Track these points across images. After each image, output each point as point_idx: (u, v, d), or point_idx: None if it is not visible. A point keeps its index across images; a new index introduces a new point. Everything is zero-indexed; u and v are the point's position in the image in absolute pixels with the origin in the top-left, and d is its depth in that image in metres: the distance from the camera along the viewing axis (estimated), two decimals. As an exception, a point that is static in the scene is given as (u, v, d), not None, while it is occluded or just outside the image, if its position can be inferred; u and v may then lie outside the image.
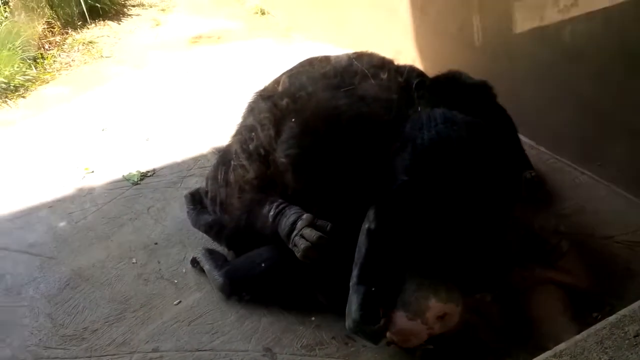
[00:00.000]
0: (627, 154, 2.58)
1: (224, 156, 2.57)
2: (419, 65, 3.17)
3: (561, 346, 1.76)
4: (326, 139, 2.28)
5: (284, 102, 2.40)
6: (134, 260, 2.68)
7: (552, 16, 2.67)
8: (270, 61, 4.06)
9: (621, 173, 2.63)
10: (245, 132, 2.49)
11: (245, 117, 2.58)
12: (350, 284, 2.12)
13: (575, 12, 2.58)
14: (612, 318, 1.87)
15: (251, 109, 2.54)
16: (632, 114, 2.49)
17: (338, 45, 4.07)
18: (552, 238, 2.41)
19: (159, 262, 2.66)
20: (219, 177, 2.50)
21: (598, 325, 1.85)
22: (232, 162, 2.46)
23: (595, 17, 2.52)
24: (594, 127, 2.67)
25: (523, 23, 2.82)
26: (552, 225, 2.48)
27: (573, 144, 2.80)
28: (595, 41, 2.52)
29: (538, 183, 2.65)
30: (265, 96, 2.52)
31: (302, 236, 2.21)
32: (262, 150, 2.39)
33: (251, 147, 2.42)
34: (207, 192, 2.62)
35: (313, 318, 2.35)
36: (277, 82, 2.56)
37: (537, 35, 2.75)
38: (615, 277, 2.30)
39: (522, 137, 2.72)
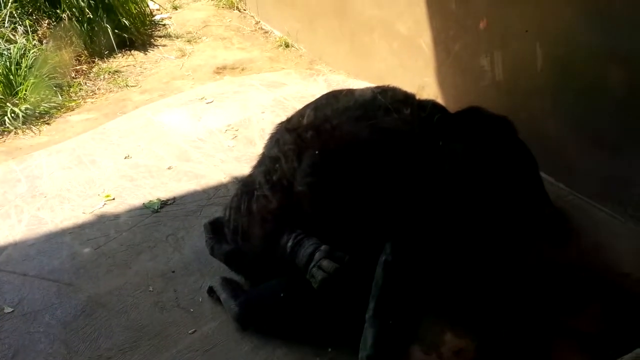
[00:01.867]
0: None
1: (246, 186, 2.58)
2: (440, 100, 3.19)
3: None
4: (345, 169, 2.30)
5: (309, 134, 2.43)
6: (150, 289, 2.68)
7: (574, 54, 2.67)
8: (293, 92, 4.12)
9: (639, 210, 2.61)
10: (269, 163, 2.51)
11: (268, 148, 2.60)
12: (366, 316, 2.13)
13: (598, 50, 2.58)
14: (627, 356, 1.86)
15: (276, 141, 2.56)
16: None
17: (360, 78, 4.14)
18: (573, 282, 2.37)
19: (175, 291, 2.66)
20: (242, 206, 2.50)
21: (614, 363, 1.83)
22: (256, 192, 2.47)
23: (616, 54, 2.52)
24: (613, 165, 2.65)
25: (544, 60, 2.83)
26: (573, 267, 2.44)
27: (592, 181, 2.78)
28: (616, 79, 2.51)
29: (558, 219, 2.62)
30: (291, 128, 2.54)
31: (320, 267, 2.22)
32: (285, 182, 2.41)
33: (275, 177, 2.44)
34: (227, 221, 2.62)
35: (329, 350, 2.32)
36: (301, 114, 2.57)
37: (558, 73, 2.75)
38: (633, 315, 2.25)
39: (542, 174, 2.69)
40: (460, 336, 2.06)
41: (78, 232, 3.03)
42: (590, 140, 2.70)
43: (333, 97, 2.58)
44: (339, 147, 2.34)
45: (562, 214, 2.69)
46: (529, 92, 2.90)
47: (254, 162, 2.67)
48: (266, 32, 5.22)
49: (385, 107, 2.42)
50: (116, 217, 3.13)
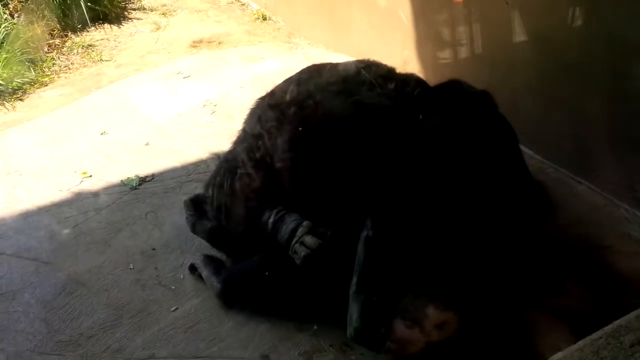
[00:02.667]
0: (623, 165, 2.58)
1: (228, 163, 2.55)
2: (420, 74, 3.17)
3: (557, 356, 1.76)
4: (325, 144, 2.29)
5: (292, 110, 2.40)
6: (131, 266, 2.66)
7: (554, 28, 2.67)
8: (272, 67, 4.07)
9: (618, 184, 2.63)
10: (251, 140, 2.48)
11: (250, 125, 2.57)
12: (350, 292, 2.13)
13: (576, 24, 2.58)
14: (608, 328, 1.85)
15: (258, 117, 2.53)
16: (629, 126, 2.50)
17: (340, 51, 4.09)
18: (553, 256, 2.40)
19: (156, 268, 2.64)
20: (225, 185, 2.48)
21: (594, 335, 1.84)
22: (238, 171, 2.45)
23: (596, 29, 2.53)
24: (592, 138, 2.66)
25: (525, 34, 2.82)
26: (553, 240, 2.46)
27: (571, 154, 2.80)
28: (595, 53, 2.52)
29: (539, 193, 2.63)
30: (273, 105, 2.51)
31: (303, 243, 2.22)
32: (268, 159, 2.39)
33: (258, 155, 2.42)
34: (209, 199, 2.60)
35: (310, 326, 2.33)
36: (284, 90, 2.54)
37: (539, 47, 2.75)
38: (614, 288, 2.28)
39: (522, 147, 2.70)
40: (443, 310, 2.07)
41: (55, 210, 3.00)
42: (570, 114, 2.71)
43: (316, 72, 2.55)
44: (317, 122, 2.33)
45: (542, 187, 2.71)
46: (510, 65, 2.89)
47: (233, 137, 2.65)
48: (243, 5, 5.12)
49: (368, 82, 2.40)
50: (94, 194, 3.09)
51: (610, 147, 2.59)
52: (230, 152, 2.59)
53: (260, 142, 2.41)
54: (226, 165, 2.54)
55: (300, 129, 2.31)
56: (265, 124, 2.43)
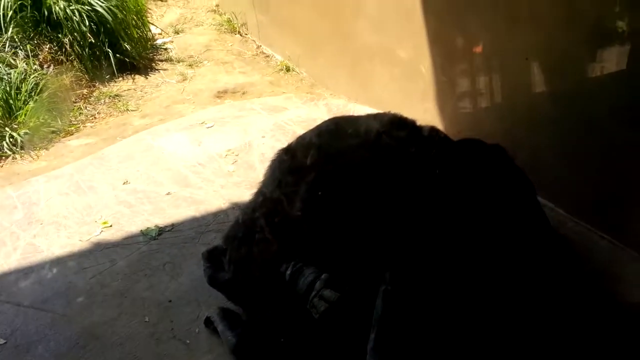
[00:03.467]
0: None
1: (248, 226, 2.52)
2: (439, 126, 3.16)
3: None
4: (344, 196, 2.27)
5: (312, 176, 2.39)
6: (146, 319, 2.63)
7: (575, 83, 2.66)
8: (294, 117, 4.10)
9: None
10: (270, 205, 2.47)
11: (270, 188, 2.53)
12: (368, 348, 2.07)
13: (597, 79, 2.56)
14: None
15: (278, 182, 2.50)
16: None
17: (361, 102, 4.12)
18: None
19: (171, 321, 2.60)
20: (242, 250, 2.46)
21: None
22: (257, 235, 2.43)
23: (612, 83, 2.51)
24: (614, 191, 2.62)
25: (544, 88, 2.81)
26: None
27: (593, 208, 2.75)
28: (613, 107, 2.49)
29: (564, 246, 2.58)
30: (294, 169, 2.49)
31: (322, 297, 2.18)
32: (287, 225, 2.37)
33: (277, 220, 2.40)
34: (226, 252, 2.57)
35: (326, 385, 2.26)
36: (305, 152, 2.52)
37: (558, 100, 2.73)
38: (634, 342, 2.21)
39: (542, 200, 2.66)
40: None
41: (74, 260, 2.99)
42: (591, 168, 2.66)
43: (336, 132, 2.54)
44: (339, 174, 2.32)
45: (565, 240, 2.65)
46: (530, 119, 2.87)
47: (254, 188, 2.64)
48: (267, 57, 5.22)
49: (389, 143, 2.39)
50: (113, 244, 3.08)
51: (632, 200, 2.53)
52: (249, 214, 2.57)
53: (279, 207, 2.39)
54: (244, 229, 2.51)
55: (316, 179, 2.30)
56: (285, 189, 2.42)
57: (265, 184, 2.57)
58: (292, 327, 2.30)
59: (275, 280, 2.33)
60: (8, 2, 4.69)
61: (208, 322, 2.54)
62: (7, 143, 4.04)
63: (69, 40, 4.78)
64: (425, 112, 3.44)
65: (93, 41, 4.82)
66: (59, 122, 4.32)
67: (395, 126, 2.50)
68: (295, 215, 2.31)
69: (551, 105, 2.75)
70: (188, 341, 2.51)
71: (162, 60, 5.23)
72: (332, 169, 2.35)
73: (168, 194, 3.45)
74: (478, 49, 3.08)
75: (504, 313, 2.11)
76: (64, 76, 4.67)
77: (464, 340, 2.07)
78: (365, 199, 2.24)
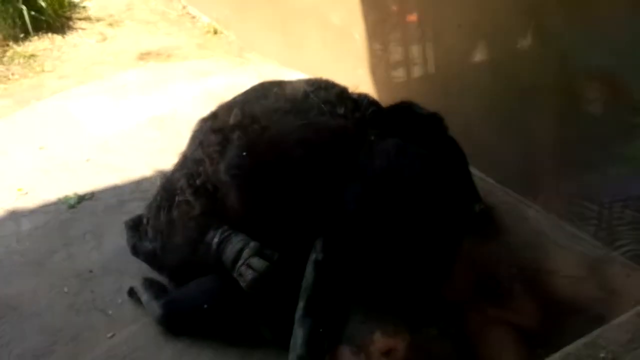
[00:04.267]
0: (572, 189, 2.62)
1: (167, 189, 2.44)
2: (372, 93, 3.15)
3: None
4: (275, 163, 2.22)
5: (235, 135, 2.32)
6: (66, 290, 2.53)
7: (506, 52, 2.68)
8: (222, 82, 3.98)
9: (567, 207, 2.65)
10: (192, 166, 2.39)
11: (191, 149, 2.48)
12: (296, 316, 2.05)
13: (526, 47, 2.60)
14: (556, 355, 1.87)
15: (200, 142, 2.44)
16: (577, 149, 2.52)
17: (292, 68, 4.05)
18: (501, 279, 2.38)
19: (92, 292, 2.51)
20: (161, 213, 2.38)
21: (543, 362, 1.85)
22: (177, 198, 2.35)
23: (546, 52, 2.54)
24: (543, 162, 2.69)
25: (477, 57, 2.84)
26: (501, 264, 2.46)
27: (521, 178, 2.81)
28: (545, 76, 2.54)
29: (487, 216, 2.63)
30: (216, 128, 2.42)
31: (249, 266, 2.13)
32: (209, 186, 2.30)
33: (198, 182, 2.32)
34: (146, 227, 2.49)
35: (255, 353, 2.24)
36: (228, 112, 2.46)
37: (491, 70, 2.77)
38: (560, 313, 2.28)
39: (473, 170, 2.71)
40: (390, 336, 2.04)
41: (-15, 228, 2.84)
42: (522, 137, 2.72)
43: (262, 93, 2.48)
44: (264, 145, 2.26)
45: (491, 210, 2.71)
46: (462, 87, 2.90)
47: (180, 155, 2.55)
48: (194, 18, 5.04)
49: (317, 103, 2.34)
50: (29, 212, 2.96)
51: (559, 170, 2.61)
52: (168, 178, 2.49)
53: (201, 168, 2.32)
54: (164, 193, 2.43)
55: (245, 153, 2.23)
56: (207, 148, 2.34)
57: (187, 146, 2.49)
58: (218, 297, 2.26)
59: (202, 248, 2.27)
60: None
61: (132, 293, 2.47)
62: None
63: (-20, -5, 4.49)
64: (358, 79, 3.41)
65: (5, -4, 4.54)
66: (-32, 83, 4.07)
67: (326, 92, 2.45)
68: (219, 178, 2.24)
69: (482, 73, 2.79)
70: (110, 312, 2.43)
71: (80, 19, 4.98)
72: (258, 129, 2.29)
73: (88, 160, 3.32)
74: (411, 16, 3.07)
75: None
76: (-25, 34, 4.39)
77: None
78: (294, 163, 2.19)
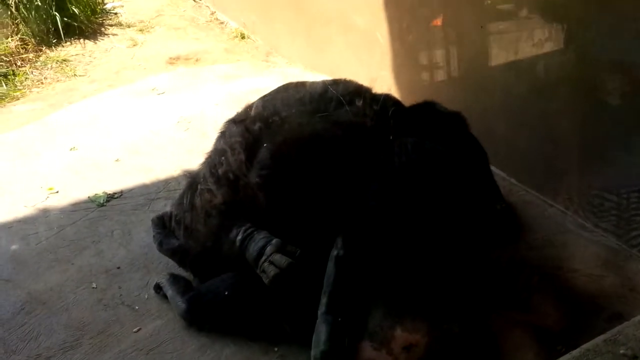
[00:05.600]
0: (594, 188, 2.59)
1: (191, 180, 2.50)
2: (395, 93, 3.16)
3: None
4: (301, 162, 2.24)
5: (257, 126, 2.36)
6: (94, 285, 2.58)
7: (527, 51, 2.68)
8: (248, 85, 4.03)
9: (588, 206, 2.63)
10: (215, 156, 2.43)
11: (214, 141, 2.52)
12: (319, 312, 2.07)
13: (549, 47, 2.59)
14: (575, 352, 1.86)
15: (222, 133, 2.49)
16: (599, 149, 2.51)
17: (316, 71, 4.09)
18: (521, 277, 2.37)
19: (120, 288, 2.56)
20: (184, 201, 2.42)
21: (562, 359, 1.83)
22: (199, 186, 2.39)
23: (568, 52, 2.54)
24: (563, 160, 2.67)
25: (498, 57, 2.83)
26: (522, 263, 2.44)
27: (543, 177, 2.80)
28: (567, 76, 2.53)
29: (508, 215, 2.62)
30: (237, 120, 2.47)
31: (272, 262, 2.15)
32: (231, 175, 2.33)
33: (220, 171, 2.36)
34: (172, 215, 2.54)
35: (277, 349, 2.26)
36: (249, 106, 2.51)
37: (512, 69, 2.76)
38: (581, 311, 2.27)
39: (494, 169, 2.70)
40: (411, 332, 2.03)
41: (19, 226, 2.92)
42: (541, 136, 2.70)
43: (283, 89, 2.51)
44: (292, 140, 2.28)
45: (512, 209, 2.70)
46: (483, 87, 2.90)
47: (205, 155, 2.59)
48: (222, 23, 5.12)
49: (338, 99, 2.36)
50: (60, 211, 3.01)
51: (579, 169, 2.59)
52: (193, 174, 2.53)
53: (223, 158, 2.35)
54: (189, 182, 2.48)
55: (274, 145, 2.26)
56: (229, 139, 2.38)
57: (213, 145, 2.53)
58: (242, 293, 2.28)
59: (225, 245, 2.30)
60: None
61: (157, 288, 2.51)
62: (-51, 108, 3.88)
63: (15, 2, 4.60)
64: (382, 81, 3.43)
65: (39, 4, 4.64)
66: (4, 87, 4.18)
67: (347, 91, 2.47)
68: (243, 171, 2.28)
69: (504, 73, 2.78)
70: (137, 307, 2.47)
71: (111, 25, 5.08)
72: (278, 120, 2.31)
73: (117, 160, 3.38)
74: (434, 17, 3.08)
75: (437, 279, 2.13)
76: (9, 40, 4.50)
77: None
78: (315, 160, 2.22)
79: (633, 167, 2.42)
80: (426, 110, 2.52)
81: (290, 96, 2.42)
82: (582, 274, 2.42)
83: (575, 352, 1.85)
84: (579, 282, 2.38)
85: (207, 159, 2.49)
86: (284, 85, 2.59)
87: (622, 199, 2.48)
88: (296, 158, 2.25)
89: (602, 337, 1.89)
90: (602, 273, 2.42)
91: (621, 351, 1.84)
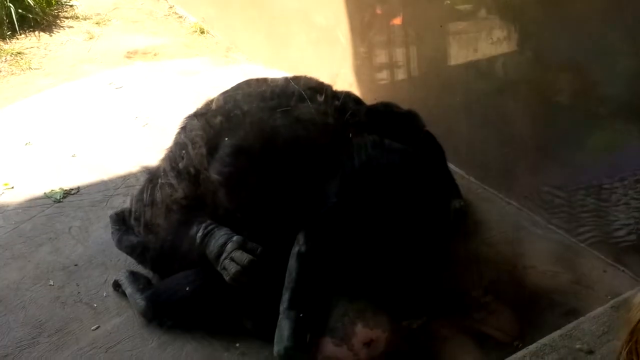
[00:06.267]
0: (550, 186, 2.65)
1: (151, 175, 2.48)
2: (355, 92, 3.19)
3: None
4: (261, 159, 2.25)
5: (217, 120, 2.35)
6: (51, 282, 2.54)
7: (486, 50, 2.73)
8: (207, 80, 4.01)
9: (544, 204, 2.70)
10: (175, 150, 2.42)
11: (176, 137, 2.51)
12: (281, 308, 2.08)
13: (506, 46, 2.65)
14: (532, 347, 1.92)
15: (182, 127, 2.48)
16: (556, 148, 2.57)
17: (277, 67, 4.07)
18: (481, 272, 2.42)
19: (77, 285, 2.53)
20: (145, 196, 2.40)
21: (518, 354, 1.90)
22: (160, 180, 2.37)
23: (525, 52, 2.59)
24: (521, 159, 2.73)
25: (457, 55, 2.88)
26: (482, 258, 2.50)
27: (501, 175, 2.86)
28: (525, 74, 2.58)
29: (465, 212, 2.68)
30: (198, 114, 2.46)
31: (233, 259, 2.15)
32: (192, 169, 2.32)
33: (181, 165, 2.35)
34: (130, 212, 2.51)
35: (238, 345, 2.26)
36: (210, 101, 2.50)
37: (471, 68, 2.81)
38: (536, 307, 2.32)
39: (453, 167, 2.75)
40: (371, 327, 2.06)
41: (-28, 222, 2.84)
42: (500, 135, 2.76)
43: (245, 84, 2.52)
44: (253, 136, 2.28)
45: (470, 206, 2.75)
46: (443, 86, 2.94)
47: (164, 151, 2.57)
48: (180, 17, 5.07)
49: (300, 94, 2.37)
50: (15, 207, 2.96)
51: (534, 167, 2.65)
52: (153, 169, 2.52)
53: (183, 152, 2.34)
54: (149, 177, 2.46)
55: (226, 139, 2.26)
56: (189, 133, 2.37)
57: (173, 142, 2.52)
58: (202, 290, 2.28)
59: (185, 242, 2.29)
60: None
61: (116, 286, 2.48)
62: None
63: (-34, -8, 4.48)
64: (343, 79, 3.45)
65: (-8, -6, 4.53)
66: (-45, 80, 4.05)
67: (308, 87, 2.49)
68: (204, 165, 2.27)
69: (462, 72, 2.83)
70: (95, 305, 2.45)
71: (67, 17, 4.98)
72: (239, 114, 2.31)
73: (73, 156, 3.33)
74: (395, 17, 3.11)
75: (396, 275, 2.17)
76: (-39, 31, 4.37)
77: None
78: (277, 156, 2.23)
79: (581, 165, 2.50)
80: (383, 110, 2.57)
81: (252, 91, 2.43)
82: (538, 270, 2.49)
83: (531, 347, 1.90)
84: (534, 278, 2.44)
85: (167, 153, 2.47)
86: (245, 81, 2.59)
87: (571, 196, 2.56)
88: (257, 154, 2.25)
89: (558, 332, 1.94)
90: (556, 269, 2.49)
91: (577, 346, 1.89)
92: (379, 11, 3.25)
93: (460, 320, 2.26)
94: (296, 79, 2.56)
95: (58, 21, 4.91)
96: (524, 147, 2.66)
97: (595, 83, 2.29)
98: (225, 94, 2.48)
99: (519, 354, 1.88)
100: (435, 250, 2.29)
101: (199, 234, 2.25)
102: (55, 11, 5.00)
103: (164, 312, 2.33)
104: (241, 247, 2.17)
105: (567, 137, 2.46)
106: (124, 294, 2.44)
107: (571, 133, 2.45)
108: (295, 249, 2.12)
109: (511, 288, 2.39)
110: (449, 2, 2.81)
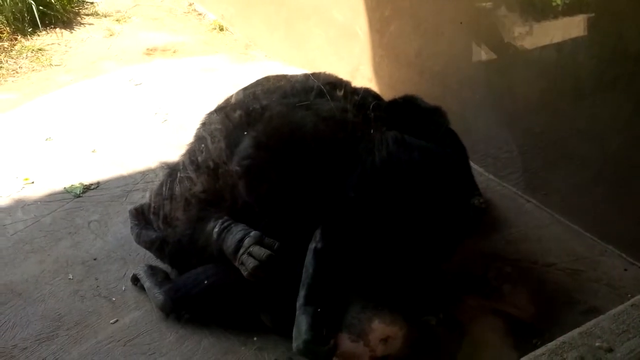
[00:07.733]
0: (570, 184, 2.63)
1: (171, 169, 2.49)
2: (374, 87, 3.18)
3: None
4: (282, 153, 2.24)
5: (237, 114, 2.35)
6: (70, 276, 2.56)
7: (506, 46, 2.71)
8: (226, 77, 4.02)
9: (564, 202, 2.68)
10: (195, 144, 2.42)
11: (197, 132, 2.52)
12: (297, 304, 2.08)
13: (528, 43, 2.62)
14: (551, 344, 1.87)
15: (202, 122, 2.49)
16: (576, 146, 2.55)
17: (296, 64, 4.09)
18: (493, 268, 2.41)
19: (96, 279, 2.54)
20: (164, 189, 2.41)
21: (537, 352, 1.86)
22: (179, 174, 2.38)
23: (546, 48, 2.57)
24: (540, 156, 2.72)
25: (478, 52, 2.85)
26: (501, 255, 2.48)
27: (520, 172, 2.83)
28: (545, 72, 2.56)
29: (485, 209, 2.65)
30: (218, 108, 2.46)
31: (251, 254, 2.15)
32: (211, 163, 2.32)
33: (200, 159, 2.35)
34: (149, 206, 2.52)
35: (255, 339, 2.26)
36: (230, 97, 2.51)
37: (491, 65, 2.79)
38: (556, 305, 2.31)
39: (472, 164, 2.73)
40: (388, 324, 2.05)
41: (-7, 216, 2.87)
42: (519, 133, 2.74)
43: (264, 80, 2.52)
44: (275, 129, 2.27)
45: (490, 204, 2.73)
46: (461, 83, 2.92)
47: (184, 147, 2.57)
48: (200, 15, 5.08)
49: (319, 89, 2.37)
50: (35, 201, 2.98)
51: (558, 166, 2.63)
52: (172, 164, 2.52)
53: (203, 145, 2.35)
54: (167, 171, 2.47)
55: (246, 133, 2.26)
56: (209, 126, 2.38)
57: (193, 138, 2.52)
58: (220, 285, 2.28)
59: (203, 237, 2.30)
60: None
61: (135, 280, 2.49)
62: None
63: (-11, -11, 4.53)
64: (362, 75, 3.45)
65: (14, -9, 4.57)
66: (-23, 76, 4.10)
67: (327, 83, 2.48)
68: (220, 158, 2.27)
69: (481, 69, 2.81)
70: (114, 299, 2.46)
71: (87, 14, 5.01)
72: (258, 108, 2.31)
73: (93, 151, 3.35)
74: (414, 13, 3.09)
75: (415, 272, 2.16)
76: (-17, 28, 4.42)
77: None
78: (297, 150, 2.22)
79: (604, 163, 2.47)
80: (407, 104, 2.54)
81: (271, 86, 2.43)
82: (558, 268, 2.47)
83: (550, 345, 1.87)
84: (555, 276, 2.42)
85: (187, 148, 2.48)
86: (264, 77, 2.59)
87: (591, 193, 2.53)
88: (277, 148, 2.25)
89: (577, 330, 1.91)
90: (577, 267, 2.47)
91: (597, 344, 1.86)
92: (397, 6, 3.23)
93: (478, 302, 2.26)
94: (315, 75, 2.55)
95: (79, 18, 4.94)
96: (544, 144, 2.63)
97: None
98: (245, 89, 2.48)
99: (538, 351, 1.85)
100: (454, 246, 2.27)
101: (216, 229, 2.26)
102: (76, 8, 5.03)
103: (182, 307, 2.33)
104: (259, 242, 2.17)
105: (586, 134, 2.43)
106: (142, 288, 2.45)
107: (590, 131, 2.42)
108: (313, 244, 2.11)
109: (531, 286, 2.37)
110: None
